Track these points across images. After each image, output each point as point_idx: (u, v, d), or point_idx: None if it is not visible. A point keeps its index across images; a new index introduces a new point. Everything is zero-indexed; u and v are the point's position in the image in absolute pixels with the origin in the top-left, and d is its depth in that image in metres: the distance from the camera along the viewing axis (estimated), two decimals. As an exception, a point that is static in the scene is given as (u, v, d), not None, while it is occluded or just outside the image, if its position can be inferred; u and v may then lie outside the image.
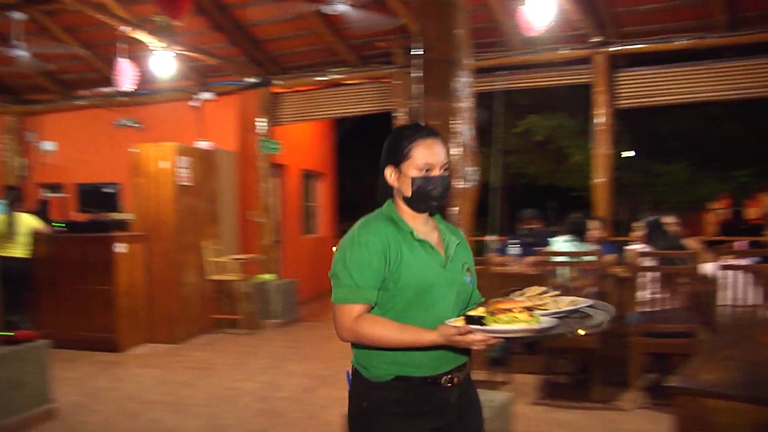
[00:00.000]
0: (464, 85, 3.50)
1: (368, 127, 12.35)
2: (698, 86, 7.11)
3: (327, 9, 5.74)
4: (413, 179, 1.96)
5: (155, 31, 6.80)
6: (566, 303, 1.87)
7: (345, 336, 1.90)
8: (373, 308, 1.91)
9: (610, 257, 5.42)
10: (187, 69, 8.30)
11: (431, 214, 2.07)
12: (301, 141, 10.84)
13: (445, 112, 3.43)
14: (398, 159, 2.00)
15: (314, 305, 9.93)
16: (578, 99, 9.90)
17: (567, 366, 5.64)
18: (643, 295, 4.87)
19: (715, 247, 5.90)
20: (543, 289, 1.97)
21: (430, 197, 1.97)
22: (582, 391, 5.11)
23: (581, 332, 1.74)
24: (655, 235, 5.17)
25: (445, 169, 1.98)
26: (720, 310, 4.90)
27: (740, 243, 6.12)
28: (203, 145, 8.41)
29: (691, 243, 5.32)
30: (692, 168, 14.36)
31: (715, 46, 6.95)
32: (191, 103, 8.74)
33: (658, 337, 4.74)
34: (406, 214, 2.01)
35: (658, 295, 4.81)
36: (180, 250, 7.49)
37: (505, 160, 11.48)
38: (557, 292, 1.95)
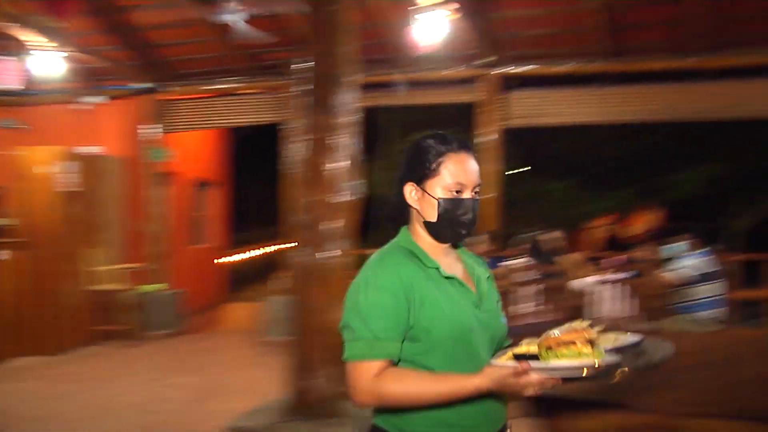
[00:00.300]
0: (351, 100, 3.60)
1: (267, 136, 12.25)
2: (585, 109, 7.55)
3: (215, 18, 5.69)
4: (440, 201, 1.64)
5: (43, 30, 6.53)
6: (611, 340, 1.59)
7: (365, 400, 1.56)
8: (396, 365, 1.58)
9: (497, 271, 5.67)
10: (78, 71, 7.99)
11: (455, 244, 1.75)
12: (195, 149, 10.62)
13: (329, 126, 3.51)
14: (422, 175, 1.67)
15: (201, 317, 9.74)
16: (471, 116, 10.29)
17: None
18: (526, 307, 5.13)
19: (596, 262, 6.28)
20: (587, 323, 1.62)
21: (458, 224, 1.65)
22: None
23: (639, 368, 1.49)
24: (536, 250, 5.46)
25: (476, 192, 1.66)
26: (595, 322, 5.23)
27: (618, 258, 6.53)
28: (90, 150, 8.08)
29: (574, 258, 5.65)
30: (579, 186, 15.22)
31: (601, 72, 7.40)
32: (80, 107, 8.39)
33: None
34: (426, 244, 1.69)
35: (539, 308, 5.08)
36: (58, 258, 7.15)
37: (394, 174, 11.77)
38: (602, 327, 1.62)
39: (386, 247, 1.71)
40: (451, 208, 1.63)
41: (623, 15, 6.54)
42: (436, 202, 1.64)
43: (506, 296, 5.24)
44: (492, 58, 7.34)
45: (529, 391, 1.46)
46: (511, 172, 15.22)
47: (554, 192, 15.31)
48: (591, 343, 1.45)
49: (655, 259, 5.22)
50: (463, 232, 1.66)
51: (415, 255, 1.65)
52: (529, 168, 15.62)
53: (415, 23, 5.86)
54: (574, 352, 1.44)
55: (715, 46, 6.74)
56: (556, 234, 5.77)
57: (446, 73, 7.53)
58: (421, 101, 8.13)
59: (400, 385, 1.54)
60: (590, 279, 5.44)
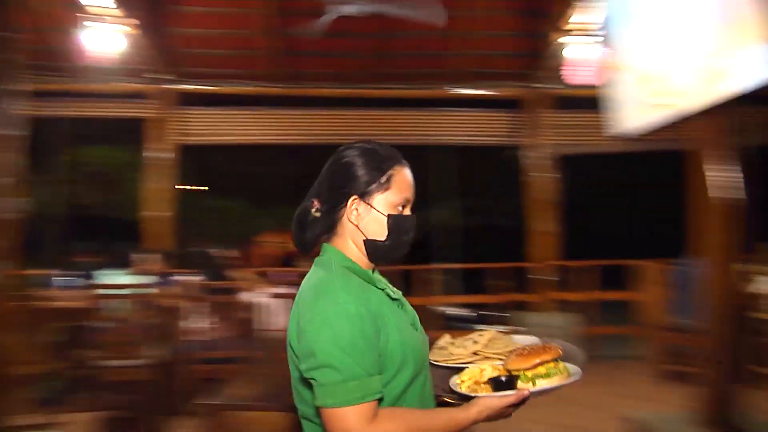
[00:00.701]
0: (14, 110, 3.33)
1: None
2: (259, 129, 7.80)
3: None
4: (389, 218, 1.50)
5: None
6: (503, 344, 1.69)
7: None
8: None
9: (169, 289, 5.61)
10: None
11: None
12: None
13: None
14: (370, 188, 1.50)
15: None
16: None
17: (121, 400, 5.60)
18: (197, 324, 5.17)
19: (267, 277, 6.55)
20: (495, 331, 1.74)
21: (404, 243, 1.52)
22: (138, 424, 5.13)
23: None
24: (209, 266, 5.54)
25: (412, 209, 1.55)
26: (266, 334, 5.48)
27: (288, 272, 6.88)
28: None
29: (245, 273, 5.83)
30: (253, 203, 15.73)
31: (274, 95, 7.74)
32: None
33: (210, 363, 5.06)
34: (363, 263, 1.53)
35: (210, 324, 5.16)
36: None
37: (60, 189, 10.91)
38: (508, 333, 1.74)
39: (329, 268, 1.49)
40: (400, 226, 1.51)
41: (296, 42, 7.01)
42: (384, 218, 1.50)
43: (178, 313, 5.24)
44: (166, 75, 7.27)
45: (510, 414, 1.46)
46: (185, 188, 15.10)
47: (228, 209, 15.62)
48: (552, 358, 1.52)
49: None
50: (405, 251, 1.54)
51: (368, 276, 1.51)
52: (205, 186, 15.70)
53: (88, 32, 5.57)
54: (551, 370, 1.50)
55: (377, 77, 7.55)
56: (229, 250, 5.93)
57: (118, 85, 7.24)
58: (91, 113, 7.67)
59: (397, 427, 1.38)
60: (261, 293, 5.70)
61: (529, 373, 1.50)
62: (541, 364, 1.51)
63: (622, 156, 7.78)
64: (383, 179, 1.50)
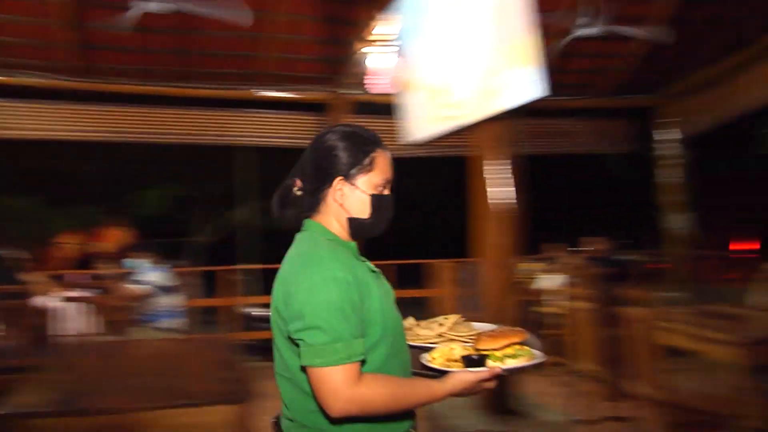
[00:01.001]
0: None
1: None
2: (54, 125, 7.30)
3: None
4: (373, 197, 1.61)
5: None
6: (466, 330, 1.80)
7: (338, 408, 1.44)
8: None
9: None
10: None
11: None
12: None
13: None
14: (354, 170, 1.61)
15: None
16: None
17: None
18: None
19: (61, 280, 6.17)
20: (458, 316, 1.86)
21: (383, 221, 1.64)
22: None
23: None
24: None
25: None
26: (60, 340, 5.18)
27: (83, 275, 6.53)
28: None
29: (37, 276, 5.46)
30: (46, 202, 14.56)
31: (71, 89, 7.27)
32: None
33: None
34: (344, 239, 1.64)
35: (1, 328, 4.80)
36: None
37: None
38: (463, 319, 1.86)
39: (315, 241, 1.59)
40: (382, 205, 1.62)
41: (95, 35, 6.64)
42: (368, 198, 1.61)
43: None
44: None
45: (485, 391, 1.56)
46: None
47: (19, 208, 14.36)
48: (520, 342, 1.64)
49: (120, 274, 5.49)
50: (385, 228, 1.64)
51: (350, 248, 1.62)
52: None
53: None
54: (518, 351, 1.61)
55: (181, 75, 7.37)
56: (19, 251, 5.54)
57: None
58: None
59: (382, 389, 1.47)
60: (54, 296, 5.40)
61: (499, 353, 1.62)
62: (510, 345, 1.64)
63: (420, 160, 8.27)
64: (366, 161, 1.61)
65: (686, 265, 8.33)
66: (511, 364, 1.60)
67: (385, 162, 1.65)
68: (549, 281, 6.73)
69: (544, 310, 6.51)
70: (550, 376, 6.54)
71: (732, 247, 17.95)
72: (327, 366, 1.44)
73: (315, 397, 1.48)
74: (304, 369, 1.49)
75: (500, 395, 3.90)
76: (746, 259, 7.67)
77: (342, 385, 1.43)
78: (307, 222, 1.67)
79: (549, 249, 8.43)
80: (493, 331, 1.72)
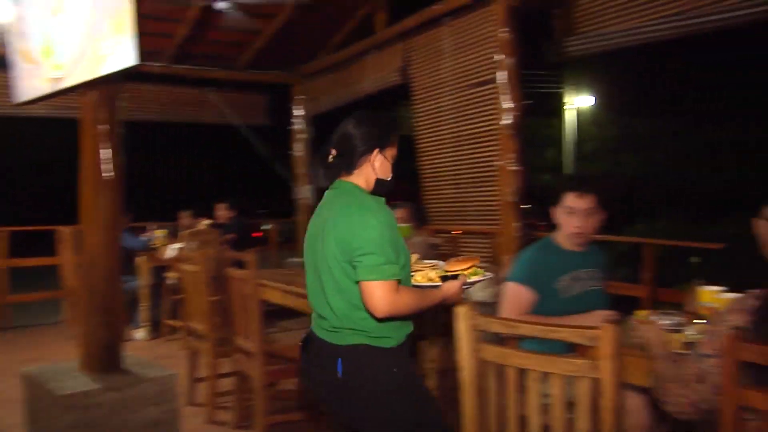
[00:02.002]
0: None
1: None
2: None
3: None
4: (392, 165, 2.27)
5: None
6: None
7: (385, 310, 2.02)
8: None
9: None
10: None
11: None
12: None
13: None
14: (386, 143, 2.24)
15: None
16: None
17: None
18: None
19: None
20: (416, 256, 2.44)
21: (393, 182, 2.28)
22: None
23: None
24: None
25: None
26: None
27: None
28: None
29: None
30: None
31: None
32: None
33: None
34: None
35: None
36: None
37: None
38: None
39: (356, 194, 2.19)
40: (394, 171, 2.26)
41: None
42: (390, 165, 2.26)
43: None
44: None
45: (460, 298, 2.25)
46: None
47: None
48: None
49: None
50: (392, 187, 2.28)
51: (380, 200, 2.21)
52: None
53: None
54: (476, 271, 2.33)
55: None
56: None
57: None
58: None
59: (410, 297, 2.08)
60: None
61: (465, 272, 2.28)
62: (471, 267, 2.32)
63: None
64: (392, 139, 2.26)
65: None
66: (474, 278, 2.31)
67: (397, 140, 2.29)
68: (175, 248, 6.85)
69: (171, 275, 6.62)
70: (174, 340, 6.71)
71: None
72: (379, 280, 2.01)
73: (366, 304, 2.06)
74: (357, 285, 2.07)
75: (112, 356, 3.91)
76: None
77: (388, 294, 2.01)
78: (340, 182, 2.24)
79: (184, 216, 8.53)
80: (457, 258, 2.41)
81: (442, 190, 6.75)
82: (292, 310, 4.54)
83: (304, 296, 3.90)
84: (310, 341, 2.33)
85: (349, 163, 2.22)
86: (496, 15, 5.79)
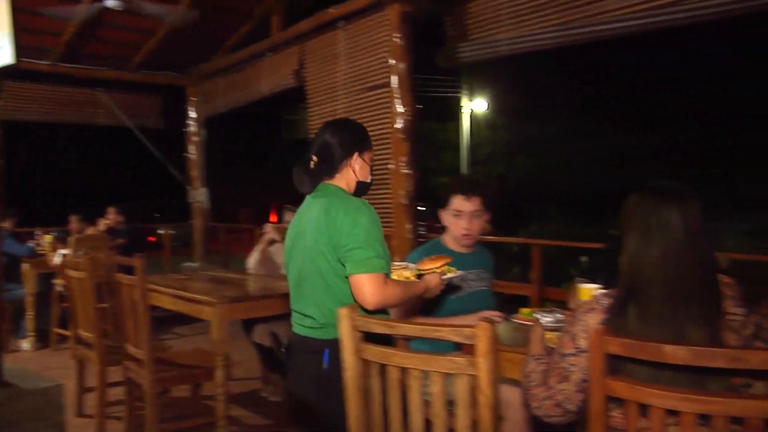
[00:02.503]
0: None
1: None
2: None
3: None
4: (370, 167, 2.45)
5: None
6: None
7: (374, 301, 2.15)
8: None
9: None
10: None
11: None
12: None
13: None
14: (363, 147, 2.42)
15: None
16: None
17: None
18: None
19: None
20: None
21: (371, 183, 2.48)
22: None
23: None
24: None
25: None
26: None
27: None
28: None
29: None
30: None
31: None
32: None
33: None
34: None
35: None
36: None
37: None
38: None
39: (341, 195, 2.33)
40: (372, 173, 2.44)
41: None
42: (369, 168, 2.43)
43: None
44: None
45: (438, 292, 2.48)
46: None
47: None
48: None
49: None
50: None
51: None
52: None
53: None
54: (448, 269, 2.49)
55: None
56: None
57: None
58: None
59: (398, 289, 2.22)
60: None
61: (438, 270, 2.47)
62: (444, 265, 2.50)
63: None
64: (369, 143, 2.41)
65: (205, 236, 9.02)
66: (447, 275, 2.51)
67: (371, 145, 2.46)
68: (62, 253, 6.57)
69: (59, 282, 6.34)
70: (63, 350, 6.43)
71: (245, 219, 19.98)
72: (368, 273, 2.13)
73: (356, 297, 2.17)
74: (346, 281, 2.21)
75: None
76: (253, 230, 8.68)
77: (378, 286, 2.14)
78: (324, 185, 2.37)
79: (74, 221, 8.19)
80: (430, 257, 2.55)
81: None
82: (185, 316, 4.47)
83: (197, 301, 3.94)
84: (293, 343, 2.44)
85: (330, 168, 2.36)
86: (389, 20, 5.91)
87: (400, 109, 5.85)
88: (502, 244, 10.01)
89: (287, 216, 4.84)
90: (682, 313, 1.59)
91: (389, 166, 5.96)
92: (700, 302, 1.59)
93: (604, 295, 1.74)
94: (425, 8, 6.11)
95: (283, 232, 4.73)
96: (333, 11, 6.49)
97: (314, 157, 2.39)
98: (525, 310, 2.76)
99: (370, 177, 2.44)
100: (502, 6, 5.56)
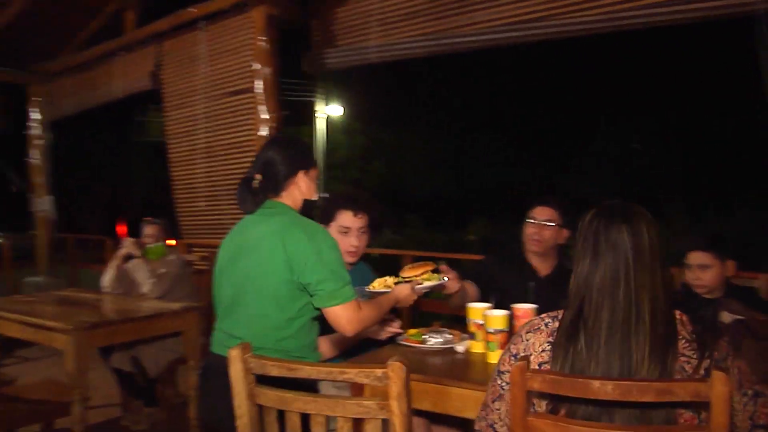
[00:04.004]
0: None
1: None
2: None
3: None
4: (315, 185, 2.36)
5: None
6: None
7: (353, 329, 2.15)
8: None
9: None
10: None
11: None
12: None
13: None
14: (309, 165, 2.34)
15: None
16: None
17: None
18: None
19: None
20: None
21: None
22: None
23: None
24: None
25: None
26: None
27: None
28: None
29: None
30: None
31: None
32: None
33: None
34: None
35: None
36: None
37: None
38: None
39: (292, 214, 2.27)
40: (317, 190, 2.40)
41: None
42: (314, 185, 2.37)
43: None
44: None
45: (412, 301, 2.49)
46: None
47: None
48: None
49: None
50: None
51: None
52: None
53: None
54: (431, 276, 2.56)
55: None
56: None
57: None
58: None
59: (371, 310, 2.22)
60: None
61: (419, 278, 2.47)
62: (425, 272, 2.50)
63: None
64: (312, 161, 2.37)
65: (51, 249, 8.32)
66: (427, 284, 2.50)
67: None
68: None
69: None
70: None
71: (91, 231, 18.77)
72: (344, 303, 2.11)
73: (334, 328, 2.17)
74: (296, 303, 2.16)
75: None
76: (104, 242, 8.11)
77: (353, 314, 2.12)
78: (271, 202, 2.26)
79: None
80: (412, 264, 2.58)
81: (196, 202, 6.47)
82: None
83: (48, 328, 3.52)
84: (213, 365, 2.23)
85: (275, 186, 2.27)
86: (254, 22, 5.71)
87: (264, 115, 5.67)
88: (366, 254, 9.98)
89: (148, 229, 4.53)
90: (632, 346, 1.49)
91: (254, 176, 5.74)
92: (653, 336, 1.49)
93: (551, 317, 1.64)
94: (291, 11, 5.96)
95: (142, 246, 4.43)
96: (193, 11, 6.17)
97: (258, 175, 2.28)
98: (412, 331, 2.67)
99: (315, 194, 2.37)
100: (372, 13, 5.54)
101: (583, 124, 21.99)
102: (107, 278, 4.50)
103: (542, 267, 3.10)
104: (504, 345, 2.27)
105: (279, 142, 2.39)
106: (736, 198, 16.78)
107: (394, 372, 1.57)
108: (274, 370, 1.72)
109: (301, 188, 2.33)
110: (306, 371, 1.70)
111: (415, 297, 2.50)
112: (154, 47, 6.70)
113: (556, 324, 1.61)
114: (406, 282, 2.50)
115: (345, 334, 2.19)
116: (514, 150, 21.98)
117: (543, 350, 1.59)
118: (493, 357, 2.30)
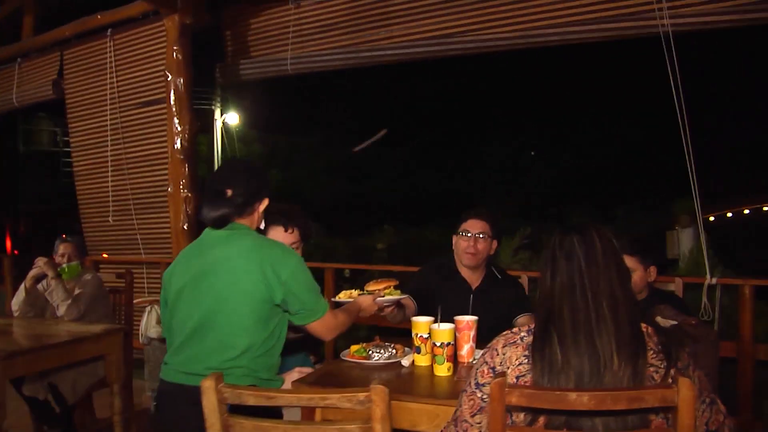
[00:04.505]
0: None
1: None
2: None
3: None
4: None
5: None
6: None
7: (332, 335, 2.39)
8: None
9: None
10: None
11: None
12: None
13: None
14: (269, 194, 2.37)
15: None
16: None
17: None
18: None
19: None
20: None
21: None
22: None
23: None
24: None
25: None
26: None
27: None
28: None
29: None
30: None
31: None
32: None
33: None
34: None
35: None
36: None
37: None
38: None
39: (260, 236, 2.33)
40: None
41: None
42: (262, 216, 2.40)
43: None
44: None
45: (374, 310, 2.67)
46: None
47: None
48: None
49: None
50: None
51: None
52: None
53: None
54: (392, 291, 2.70)
55: None
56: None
57: None
58: None
59: (344, 316, 2.41)
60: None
61: (382, 291, 2.66)
62: (388, 287, 2.69)
63: None
64: (269, 188, 2.41)
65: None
66: (389, 297, 2.65)
67: None
68: None
69: None
70: None
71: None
72: (324, 314, 2.27)
73: (316, 336, 2.38)
74: (266, 323, 2.19)
75: None
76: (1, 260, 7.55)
77: (330, 322, 2.31)
78: (236, 224, 2.27)
79: None
80: (376, 280, 2.72)
81: (104, 217, 6.20)
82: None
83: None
84: (169, 393, 2.18)
85: (242, 208, 2.27)
86: (166, 32, 5.55)
87: (178, 127, 5.52)
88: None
89: (61, 248, 4.28)
90: (598, 345, 1.59)
91: (168, 189, 5.57)
92: (618, 334, 1.59)
93: (525, 330, 1.68)
94: (205, 21, 5.82)
95: (55, 266, 4.17)
96: (100, 18, 5.92)
97: (229, 191, 2.27)
98: (355, 347, 2.66)
99: (262, 223, 2.43)
100: (288, 24, 5.52)
101: (480, 134, 22.92)
102: (17, 301, 4.23)
103: (473, 279, 3.13)
104: (450, 358, 2.35)
105: (253, 169, 2.41)
106: (617, 199, 18.01)
107: (377, 395, 1.59)
108: (251, 400, 1.68)
109: (259, 214, 2.36)
110: (286, 399, 1.69)
111: (376, 308, 2.66)
112: (57, 54, 6.37)
113: (531, 338, 1.68)
114: (369, 293, 2.67)
115: (324, 339, 2.49)
116: (415, 159, 22.47)
117: (520, 363, 1.66)
118: (441, 370, 2.35)
